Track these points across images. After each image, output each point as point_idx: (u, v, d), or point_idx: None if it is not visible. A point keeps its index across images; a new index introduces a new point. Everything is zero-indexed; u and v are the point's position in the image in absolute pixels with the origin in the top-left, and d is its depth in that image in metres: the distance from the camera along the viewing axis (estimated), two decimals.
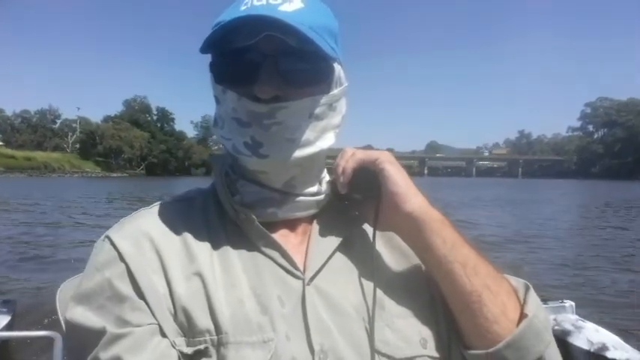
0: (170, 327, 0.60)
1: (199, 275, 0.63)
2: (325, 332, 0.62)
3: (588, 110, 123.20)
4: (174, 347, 0.59)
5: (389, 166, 0.69)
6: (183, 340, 0.60)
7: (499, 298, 0.64)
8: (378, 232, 0.73)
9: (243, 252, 0.67)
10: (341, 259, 0.70)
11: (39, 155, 76.54)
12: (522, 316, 0.63)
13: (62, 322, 0.82)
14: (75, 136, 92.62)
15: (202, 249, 0.66)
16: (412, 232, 0.68)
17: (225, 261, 0.66)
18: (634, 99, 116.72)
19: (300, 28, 0.61)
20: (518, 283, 0.70)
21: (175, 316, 0.61)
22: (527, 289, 0.68)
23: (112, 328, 0.59)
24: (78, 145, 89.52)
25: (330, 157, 0.78)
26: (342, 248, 0.71)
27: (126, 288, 0.62)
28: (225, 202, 0.70)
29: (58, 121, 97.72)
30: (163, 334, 0.60)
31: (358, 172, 0.71)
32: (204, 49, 0.66)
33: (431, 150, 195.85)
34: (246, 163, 0.68)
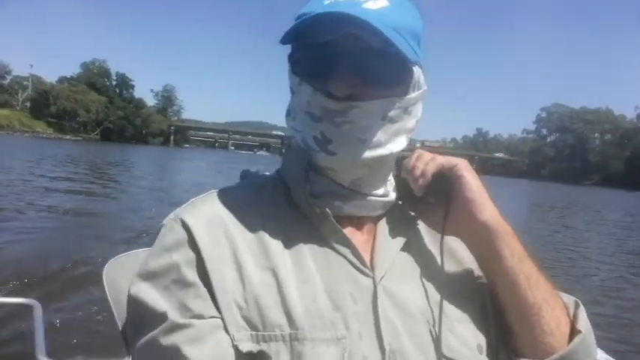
0: (234, 320, 0.59)
1: (272, 268, 0.63)
2: (394, 333, 0.62)
3: (543, 115, 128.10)
4: (233, 342, 0.58)
5: (467, 173, 0.70)
6: (248, 334, 0.59)
7: (555, 312, 0.66)
8: (434, 236, 0.75)
9: (314, 246, 0.66)
10: (405, 260, 0.71)
11: None
12: (574, 331, 0.67)
13: (109, 297, 0.87)
14: (26, 94, 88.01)
15: (274, 240, 0.66)
16: (482, 240, 0.69)
17: (297, 254, 0.65)
18: (585, 108, 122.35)
19: (381, 28, 0.59)
20: (569, 299, 0.73)
21: (244, 308, 0.60)
22: (577, 306, 0.71)
23: (173, 315, 0.58)
24: (28, 104, 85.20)
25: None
26: (405, 249, 0.72)
27: (193, 275, 0.61)
28: (300, 194, 0.69)
29: (8, 77, 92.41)
30: (225, 330, 0.59)
31: (435, 176, 0.71)
32: (285, 41, 0.65)
33: None
34: (315, 157, 0.68)
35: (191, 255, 0.62)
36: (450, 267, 0.73)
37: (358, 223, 0.71)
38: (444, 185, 0.70)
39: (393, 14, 0.63)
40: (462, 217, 0.69)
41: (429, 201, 0.73)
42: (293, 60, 0.68)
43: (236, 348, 0.58)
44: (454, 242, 0.74)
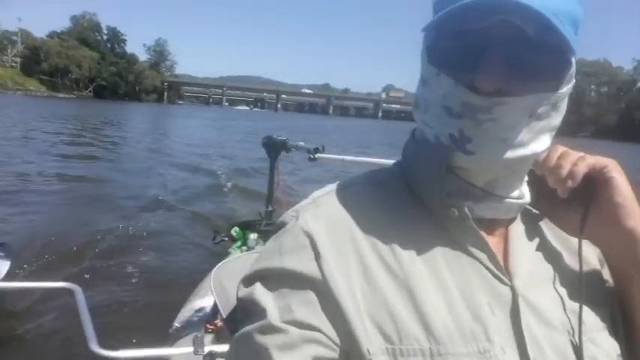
0: (365, 332, 0.55)
1: (403, 275, 0.58)
2: (537, 346, 0.58)
3: None
4: (368, 357, 0.54)
5: (619, 175, 0.64)
6: (383, 347, 0.55)
7: None
8: (561, 239, 0.71)
9: (447, 250, 0.62)
10: (538, 266, 0.66)
11: None
12: None
13: (215, 298, 0.87)
14: (16, 50, 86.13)
15: (404, 244, 0.61)
16: (627, 249, 0.64)
17: (430, 260, 0.61)
18: (583, 59, 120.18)
19: (544, 13, 0.52)
20: None
21: (377, 319, 0.56)
22: None
23: (273, 316, 0.56)
24: (19, 61, 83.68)
25: None
26: (538, 254, 0.68)
27: (306, 283, 0.58)
28: (433, 194, 0.63)
29: None
30: (324, 345, 0.55)
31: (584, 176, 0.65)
32: (429, 30, 0.61)
33: (387, 93, 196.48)
34: (449, 155, 0.62)
35: (310, 265, 0.58)
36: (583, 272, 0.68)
37: (489, 226, 0.65)
38: (589, 185, 0.65)
39: None
40: (605, 221, 0.64)
41: (571, 204, 0.67)
42: (432, 49, 0.62)
43: None
44: (584, 246, 0.69)
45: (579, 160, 0.65)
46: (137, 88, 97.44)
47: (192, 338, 1.91)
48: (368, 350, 0.54)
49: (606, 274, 0.71)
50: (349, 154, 3.50)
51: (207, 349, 1.69)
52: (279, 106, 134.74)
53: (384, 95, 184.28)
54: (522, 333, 0.58)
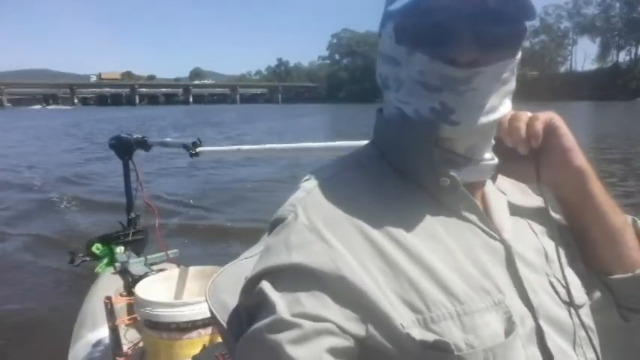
0: (395, 309, 0.57)
1: (413, 248, 0.61)
2: (534, 292, 0.64)
3: (335, 40, 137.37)
4: (403, 331, 0.56)
5: (562, 124, 0.72)
6: (414, 318, 0.56)
7: (630, 230, 0.77)
8: (519, 188, 0.80)
9: (443, 218, 0.65)
10: (513, 218, 0.72)
11: None
12: None
13: (215, 314, 0.73)
14: None
15: (403, 221, 0.63)
16: (578, 184, 0.73)
17: (431, 230, 0.64)
18: (369, 32, 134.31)
19: None
20: (626, 217, 0.79)
21: (401, 294, 0.58)
22: (634, 222, 0.80)
23: (283, 311, 0.56)
24: None
25: None
26: (508, 207, 0.73)
27: (316, 276, 0.57)
28: (424, 168, 0.66)
29: None
30: (337, 335, 0.55)
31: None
32: (406, 11, 0.62)
33: (195, 77, 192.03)
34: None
35: (322, 258, 0.58)
36: (543, 214, 0.75)
37: (470, 189, 0.68)
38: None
39: None
40: (557, 165, 0.72)
41: (516, 155, 0.73)
42: (400, 28, 0.64)
43: (407, 337, 0.55)
44: (533, 193, 0.80)
45: (533, 120, 0.71)
46: None
47: None
48: (402, 325, 0.56)
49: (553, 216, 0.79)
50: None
51: None
52: (75, 100, 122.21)
53: (197, 82, 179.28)
54: (521, 282, 0.64)
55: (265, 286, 0.59)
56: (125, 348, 2.07)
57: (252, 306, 0.61)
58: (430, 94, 0.63)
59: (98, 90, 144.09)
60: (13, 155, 15.99)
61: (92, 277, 2.97)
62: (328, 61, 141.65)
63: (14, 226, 6.99)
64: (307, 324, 0.55)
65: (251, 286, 0.61)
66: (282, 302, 0.57)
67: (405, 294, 0.58)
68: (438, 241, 0.64)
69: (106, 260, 2.78)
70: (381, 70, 0.71)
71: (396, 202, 0.66)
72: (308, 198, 0.66)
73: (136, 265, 2.54)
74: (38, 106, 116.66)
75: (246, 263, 0.71)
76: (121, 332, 2.09)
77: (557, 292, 0.68)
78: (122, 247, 2.81)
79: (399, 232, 0.63)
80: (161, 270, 2.40)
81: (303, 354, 0.54)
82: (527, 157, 0.73)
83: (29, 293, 4.62)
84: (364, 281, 0.58)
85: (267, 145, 2.30)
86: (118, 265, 2.61)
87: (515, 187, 0.80)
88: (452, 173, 0.65)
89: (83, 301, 2.76)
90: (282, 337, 0.55)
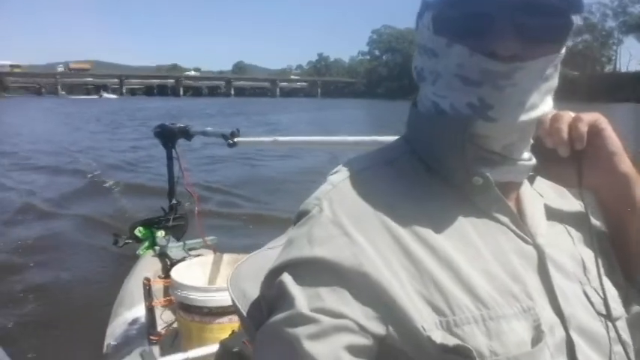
0: (417, 310, 0.54)
1: (440, 248, 0.58)
2: (566, 300, 0.61)
3: (375, 36, 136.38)
4: (424, 334, 0.53)
5: (608, 126, 0.68)
6: (437, 321, 0.54)
7: None
8: (558, 192, 0.76)
9: (473, 219, 0.62)
10: (549, 223, 0.69)
11: None
12: None
13: (237, 303, 0.72)
14: None
15: (432, 219, 0.61)
16: (622, 190, 0.69)
17: (460, 230, 0.61)
18: (409, 28, 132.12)
19: None
20: None
21: (425, 295, 0.55)
22: None
23: (302, 305, 0.54)
24: None
25: None
26: (545, 211, 0.70)
27: (339, 272, 0.56)
28: (456, 165, 0.63)
29: None
30: (356, 332, 0.54)
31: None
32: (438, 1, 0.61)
33: (238, 70, 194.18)
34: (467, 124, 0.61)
35: (345, 253, 0.57)
36: (582, 220, 0.71)
37: (504, 190, 0.65)
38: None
39: None
40: (600, 169, 0.68)
41: (557, 157, 0.69)
42: (439, 19, 0.62)
43: (428, 339, 0.53)
44: (573, 197, 0.76)
45: (576, 121, 0.67)
46: None
47: (139, 353, 1.90)
48: (423, 327, 0.54)
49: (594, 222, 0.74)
50: None
51: None
52: (123, 90, 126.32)
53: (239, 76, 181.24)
54: (553, 289, 0.61)
55: (286, 278, 0.58)
56: (159, 328, 2.14)
57: (272, 298, 0.60)
58: (468, 88, 0.60)
59: (147, 81, 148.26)
60: (79, 140, 17.13)
61: (134, 259, 3.12)
62: (368, 57, 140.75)
63: (66, 208, 7.40)
64: (326, 320, 0.54)
65: (272, 278, 0.60)
66: (301, 296, 0.56)
67: (429, 295, 0.56)
68: (466, 242, 0.61)
69: (147, 243, 2.84)
70: (417, 62, 0.69)
71: (424, 200, 0.64)
72: (334, 191, 0.64)
73: (174, 250, 2.64)
74: (88, 96, 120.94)
75: (270, 253, 0.71)
76: (157, 313, 2.17)
77: (591, 303, 0.64)
78: (163, 232, 2.86)
79: (426, 231, 0.60)
80: (198, 255, 2.47)
81: (320, 350, 0.53)
82: (568, 160, 0.69)
83: (76, 270, 4.89)
84: (387, 279, 0.56)
85: (302, 138, 2.35)
86: (157, 248, 2.71)
87: (554, 190, 0.76)
88: (485, 172, 0.62)
89: (123, 280, 2.91)
90: (300, 331, 0.54)
